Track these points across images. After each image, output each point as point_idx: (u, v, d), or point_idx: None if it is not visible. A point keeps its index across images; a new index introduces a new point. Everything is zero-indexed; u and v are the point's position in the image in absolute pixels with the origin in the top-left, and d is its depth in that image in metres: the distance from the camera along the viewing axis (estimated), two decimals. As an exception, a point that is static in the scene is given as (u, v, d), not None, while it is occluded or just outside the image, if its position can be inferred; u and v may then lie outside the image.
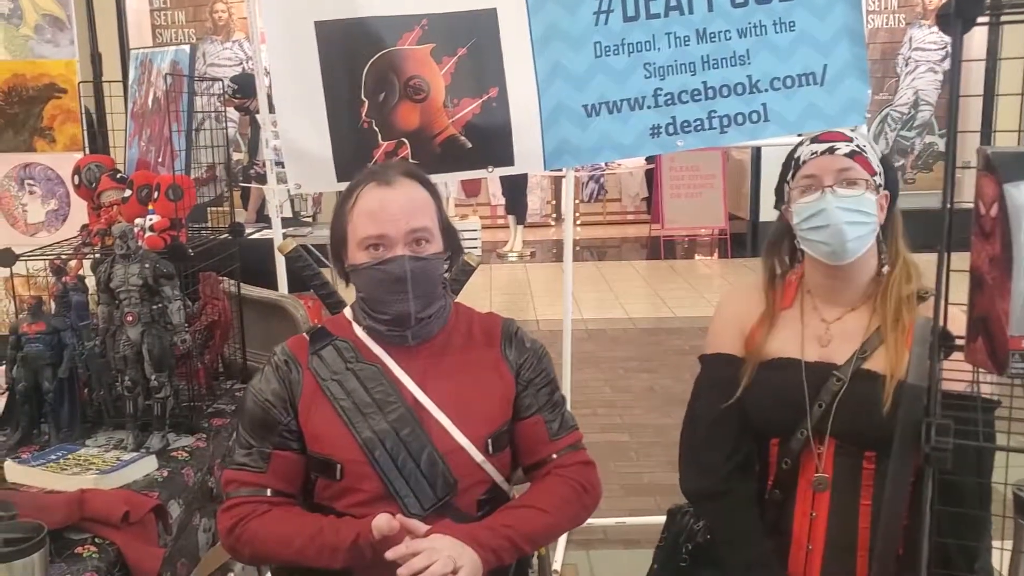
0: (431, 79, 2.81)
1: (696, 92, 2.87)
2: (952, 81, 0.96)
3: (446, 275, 1.79)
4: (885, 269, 1.74)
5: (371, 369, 1.66)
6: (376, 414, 1.62)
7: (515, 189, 8.99)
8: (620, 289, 7.43)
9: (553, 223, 10.68)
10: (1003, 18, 0.84)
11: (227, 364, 2.43)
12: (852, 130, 1.78)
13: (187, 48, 2.12)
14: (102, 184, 2.21)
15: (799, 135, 2.90)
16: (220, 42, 8.67)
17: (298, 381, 1.66)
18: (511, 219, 9.18)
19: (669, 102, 2.87)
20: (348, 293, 1.84)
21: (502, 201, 9.72)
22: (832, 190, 1.67)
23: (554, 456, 1.74)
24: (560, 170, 3.54)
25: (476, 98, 2.82)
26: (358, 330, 1.72)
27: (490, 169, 2.88)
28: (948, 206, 0.85)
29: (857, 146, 1.70)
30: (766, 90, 2.88)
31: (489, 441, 1.66)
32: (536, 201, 10.41)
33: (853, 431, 1.67)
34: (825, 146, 1.71)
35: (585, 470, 1.74)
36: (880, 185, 1.72)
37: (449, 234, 1.72)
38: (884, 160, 1.75)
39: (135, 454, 1.86)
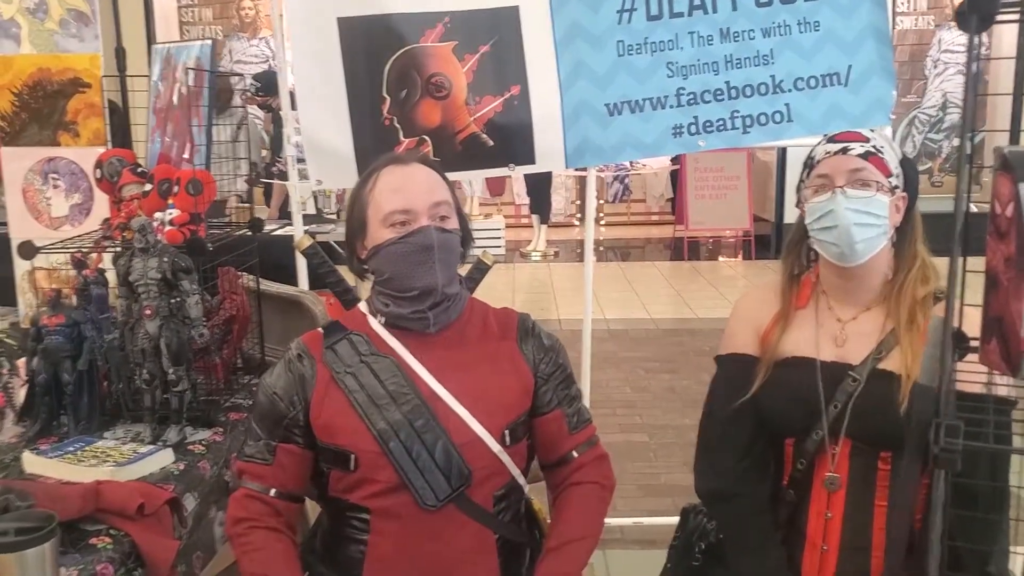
0: (453, 76, 2.81)
1: (719, 92, 2.84)
2: (968, 79, 0.94)
3: (460, 267, 1.80)
4: (889, 274, 1.73)
5: (385, 361, 1.67)
6: (390, 405, 1.63)
7: (539, 188, 8.97)
8: (642, 290, 7.40)
9: (577, 223, 10.65)
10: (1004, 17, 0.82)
11: (246, 359, 2.45)
12: (873, 131, 1.75)
13: (209, 43, 2.13)
14: (123, 178, 2.22)
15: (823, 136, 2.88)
16: (247, 39, 8.73)
17: (311, 375, 1.67)
18: (535, 218, 9.17)
19: (692, 102, 2.84)
20: (362, 290, 1.85)
21: (526, 200, 9.71)
22: (843, 191, 1.66)
23: (574, 454, 1.77)
24: (584, 169, 3.53)
25: (498, 96, 2.81)
26: (373, 323, 1.73)
27: (512, 167, 2.88)
28: (964, 207, 0.83)
29: (873, 147, 1.68)
30: (789, 90, 2.85)
31: (507, 432, 1.67)
32: (560, 201, 10.39)
33: (868, 431, 1.66)
34: (839, 146, 1.69)
35: (602, 466, 1.79)
36: (896, 187, 1.70)
37: (463, 219, 1.75)
38: (905, 162, 1.73)
39: (152, 447, 1.88)
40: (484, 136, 2.83)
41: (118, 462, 1.79)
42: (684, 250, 8.87)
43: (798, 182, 1.81)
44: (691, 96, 2.85)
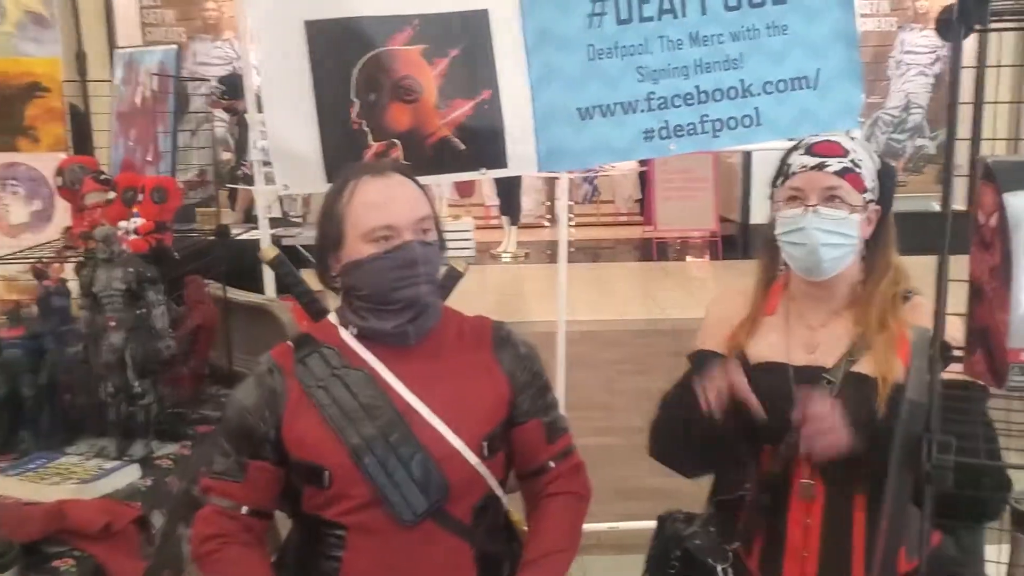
0: (423, 80, 2.78)
1: (689, 96, 2.85)
2: (952, 87, 0.94)
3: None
4: (859, 284, 1.73)
5: (358, 374, 1.63)
6: (364, 420, 1.59)
7: (509, 190, 8.97)
8: (613, 290, 7.42)
9: (547, 224, 10.66)
10: (996, 25, 0.82)
11: (212, 369, 2.40)
12: (852, 138, 1.74)
13: (174, 48, 2.08)
14: (85, 186, 2.17)
15: (791, 140, 2.89)
16: (210, 41, 8.62)
17: (282, 390, 1.63)
18: (505, 220, 9.17)
19: (662, 106, 2.84)
20: (329, 298, 1.81)
21: (495, 202, 9.70)
22: (815, 210, 1.64)
23: (551, 464, 1.74)
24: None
25: (469, 100, 2.79)
26: (344, 335, 1.69)
27: (483, 171, 2.86)
28: (949, 221, 0.82)
29: (851, 161, 1.66)
30: (759, 94, 2.87)
31: (484, 444, 1.64)
32: (530, 202, 10.39)
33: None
34: (816, 161, 1.66)
35: (579, 475, 1.77)
36: (871, 201, 1.68)
37: (438, 227, 1.71)
38: (883, 172, 1.71)
39: (117, 462, 1.83)
40: (455, 140, 2.81)
41: (82, 479, 1.74)
42: (653, 251, 8.92)
43: (772, 179, 1.78)
44: (662, 100, 2.84)
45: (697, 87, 2.85)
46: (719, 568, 1.79)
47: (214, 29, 8.63)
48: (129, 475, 1.80)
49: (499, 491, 1.71)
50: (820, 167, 1.65)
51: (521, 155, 2.82)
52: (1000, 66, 0.96)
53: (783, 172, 1.73)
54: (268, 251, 1.85)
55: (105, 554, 1.50)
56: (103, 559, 1.50)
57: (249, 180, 5.87)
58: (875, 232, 1.72)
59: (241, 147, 6.42)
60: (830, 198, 1.64)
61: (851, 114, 2.92)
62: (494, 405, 1.69)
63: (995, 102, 0.87)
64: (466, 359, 1.70)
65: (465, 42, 2.78)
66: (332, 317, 1.75)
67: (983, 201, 0.86)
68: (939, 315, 0.88)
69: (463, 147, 2.81)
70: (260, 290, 2.87)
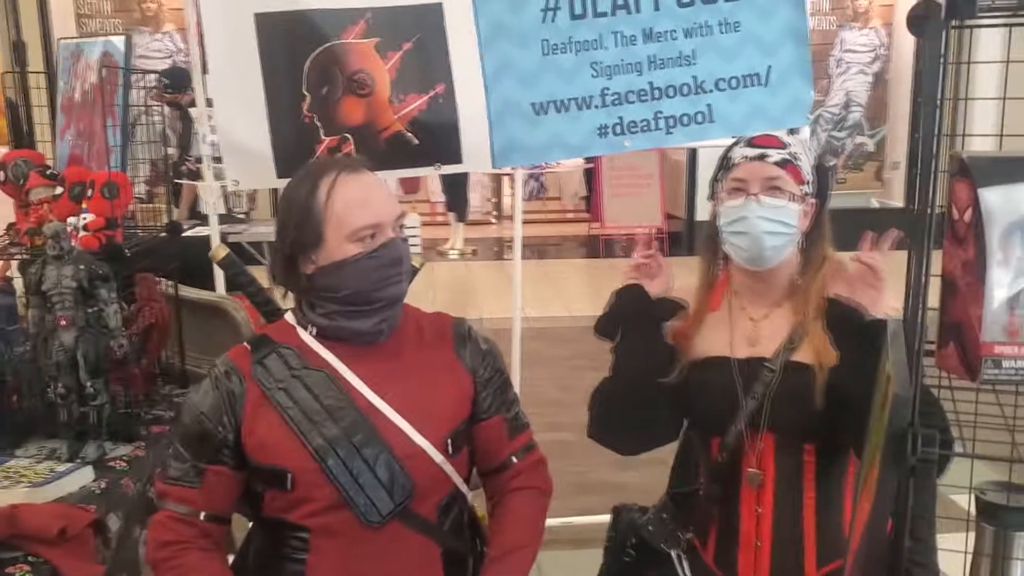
0: (376, 73, 2.75)
1: (643, 92, 2.86)
2: (927, 85, 0.95)
3: None
4: (797, 276, 1.77)
5: (319, 375, 1.61)
6: (327, 421, 1.57)
7: (455, 186, 8.96)
8: (562, 287, 7.45)
9: (494, 221, 10.67)
10: (982, 21, 0.83)
11: (164, 369, 2.35)
12: (790, 133, 1.79)
13: (121, 39, 2.02)
14: (31, 181, 2.10)
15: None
16: (149, 33, 8.43)
17: (241, 393, 1.59)
18: (452, 216, 9.15)
19: (616, 102, 2.85)
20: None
21: (441, 198, 9.68)
22: (757, 199, 1.68)
23: (514, 460, 1.74)
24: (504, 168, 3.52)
25: (422, 94, 2.77)
26: (303, 335, 1.66)
27: (438, 166, 2.84)
28: (931, 222, 0.83)
29: (790, 154, 1.71)
30: (711, 91, 2.88)
31: (449, 441, 1.63)
32: (477, 199, 10.39)
33: (788, 423, 1.70)
34: (757, 151, 1.71)
35: (541, 471, 1.78)
36: (808, 193, 1.73)
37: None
38: (819, 168, 1.77)
39: (70, 465, 1.78)
40: (409, 134, 2.79)
41: (33, 482, 1.69)
42: (600, 247, 8.98)
43: (713, 175, 1.82)
44: (616, 96, 2.85)
45: (651, 83, 2.86)
46: (673, 554, 1.83)
47: (153, 22, 8.44)
48: (82, 478, 1.75)
49: (464, 488, 1.71)
50: (761, 157, 1.70)
51: (475, 150, 2.81)
52: (969, 63, 0.98)
53: (724, 166, 1.77)
54: (219, 250, 1.80)
55: (61, 559, 1.45)
56: (59, 564, 1.45)
57: (193, 176, 5.75)
58: (811, 226, 1.76)
59: (185, 142, 6.30)
60: (771, 188, 1.69)
61: (801, 111, 2.96)
62: (457, 403, 1.68)
63: (960, 98, 0.89)
64: (427, 357, 1.69)
65: (418, 35, 2.76)
66: (289, 316, 1.71)
67: (957, 197, 0.88)
68: (915, 310, 0.89)
69: (417, 142, 2.79)
70: (210, 287, 2.82)
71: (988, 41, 0.85)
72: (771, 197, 1.68)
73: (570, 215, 10.92)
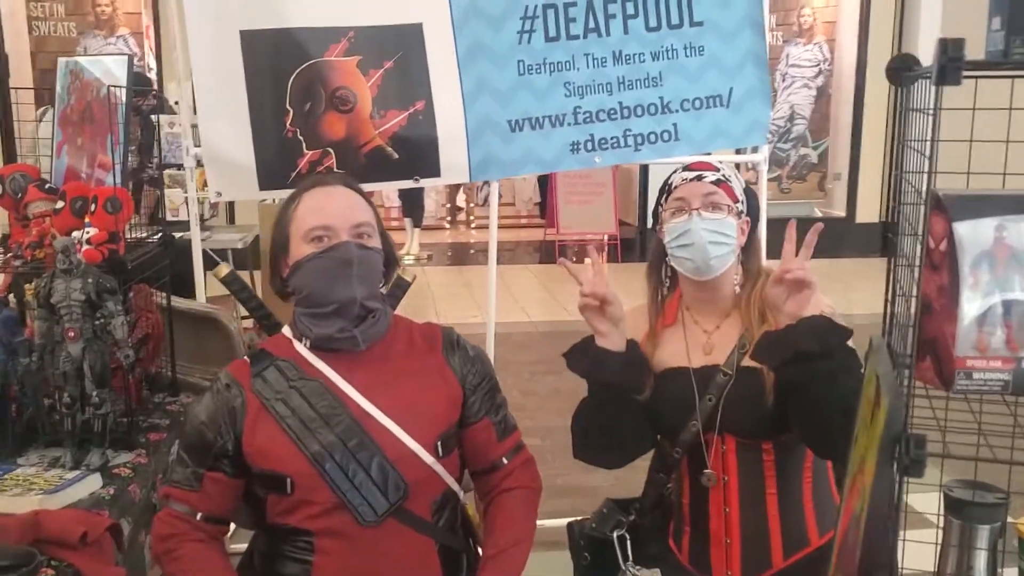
0: (358, 90, 2.84)
1: (612, 111, 2.99)
2: (901, 128, 1.08)
3: (383, 288, 1.84)
4: (737, 288, 1.92)
5: (314, 384, 1.70)
6: (322, 428, 1.67)
7: (412, 192, 9.01)
8: (518, 292, 7.55)
9: (448, 226, 10.74)
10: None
11: (151, 378, 2.39)
12: (721, 163, 1.96)
13: (124, 58, 2.09)
14: (29, 195, 2.14)
15: (707, 153, 3.07)
16: (103, 37, 8.33)
17: (241, 404, 1.70)
18: (408, 222, 9.20)
19: (587, 120, 2.97)
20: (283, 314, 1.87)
21: (396, 203, 9.72)
22: (699, 213, 1.84)
23: (504, 461, 1.84)
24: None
25: (403, 110, 2.86)
26: (299, 347, 1.76)
27: (417, 179, 2.93)
28: (923, 247, 0.96)
29: (723, 175, 1.89)
30: (677, 111, 3.02)
31: (439, 443, 1.72)
32: (432, 204, 10.45)
33: (742, 422, 1.83)
34: (694, 174, 1.89)
35: (530, 469, 1.88)
36: (742, 211, 1.90)
37: (387, 241, 1.80)
38: (748, 190, 1.95)
39: (77, 472, 1.83)
40: (389, 149, 2.87)
41: (45, 490, 1.74)
42: (555, 253, 9.11)
43: (655, 206, 1.99)
44: (587, 114, 2.98)
45: (620, 103, 2.99)
46: (614, 536, 1.93)
47: (107, 25, 8.34)
48: (91, 484, 1.81)
49: (456, 487, 1.80)
50: (699, 178, 1.88)
51: (453, 164, 2.91)
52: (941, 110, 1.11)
53: (666, 191, 1.94)
54: (221, 268, 1.89)
55: (84, 563, 1.51)
56: (82, 568, 1.51)
57: (155, 182, 5.72)
58: (747, 244, 1.93)
59: (146, 149, 6.26)
60: (710, 204, 1.85)
61: (760, 131, 3.11)
62: (446, 406, 1.78)
63: (936, 140, 1.02)
64: (418, 364, 1.79)
65: (399, 54, 2.85)
66: (286, 330, 1.82)
67: (933, 229, 1.01)
68: (891, 323, 1.02)
69: (396, 156, 2.87)
70: (185, 294, 2.87)
71: (957, 90, 0.98)
72: (710, 212, 1.84)
73: (524, 220, 11.04)
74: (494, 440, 1.83)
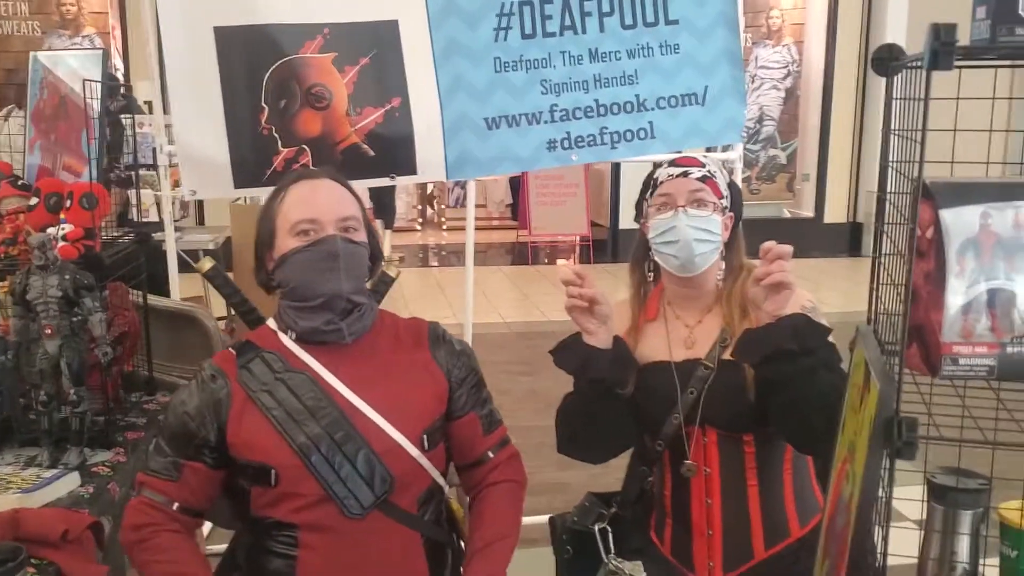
0: (333, 87, 2.82)
1: (589, 109, 3.00)
2: (885, 119, 1.10)
3: (367, 283, 1.84)
4: (719, 281, 1.92)
5: (301, 377, 1.70)
6: (309, 420, 1.66)
7: (383, 194, 8.98)
8: (491, 293, 7.56)
9: (419, 228, 10.72)
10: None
11: (127, 377, 2.36)
12: (707, 157, 1.98)
13: (99, 53, 2.06)
14: (2, 191, 2.11)
15: (680, 152, 3.08)
16: (69, 37, 8.22)
17: (227, 395, 1.68)
18: (379, 223, 9.15)
19: (564, 118, 2.98)
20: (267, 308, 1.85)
21: (369, 205, 9.67)
22: (684, 210, 1.85)
23: (490, 455, 1.85)
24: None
25: (379, 107, 2.85)
26: (284, 339, 1.75)
27: (393, 177, 2.93)
28: (914, 240, 0.97)
29: (708, 171, 1.90)
30: (653, 109, 3.04)
31: (425, 436, 1.72)
32: (402, 206, 10.42)
33: (723, 415, 1.84)
34: (680, 170, 1.89)
35: (516, 464, 1.89)
36: (726, 207, 1.91)
37: (372, 236, 1.79)
38: (732, 185, 1.96)
39: (56, 471, 1.81)
40: (365, 146, 2.86)
41: (23, 488, 1.72)
42: (528, 254, 9.13)
43: (638, 199, 1.98)
44: (564, 112, 2.98)
45: (596, 101, 3.00)
46: (596, 529, 1.93)
47: (73, 25, 8.23)
48: (69, 483, 1.78)
49: (441, 481, 1.80)
50: (685, 175, 1.88)
51: (430, 162, 2.91)
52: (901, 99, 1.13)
53: (651, 186, 1.94)
54: (204, 263, 1.87)
55: (66, 561, 1.49)
56: (64, 566, 1.49)
57: (123, 182, 5.65)
58: (729, 239, 1.94)
59: (114, 148, 6.19)
60: (696, 200, 1.86)
61: (735, 128, 3.14)
62: (432, 400, 1.77)
63: (918, 129, 1.03)
64: (404, 358, 1.79)
65: (375, 51, 2.84)
66: (271, 323, 1.80)
67: (921, 216, 1.02)
68: (876, 311, 1.03)
69: (373, 154, 2.87)
70: (158, 292, 2.83)
71: (942, 79, 0.99)
72: (696, 209, 1.85)
73: (495, 222, 11.05)
74: (480, 434, 1.84)
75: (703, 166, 1.90)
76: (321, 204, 1.70)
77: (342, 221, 1.70)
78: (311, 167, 2.74)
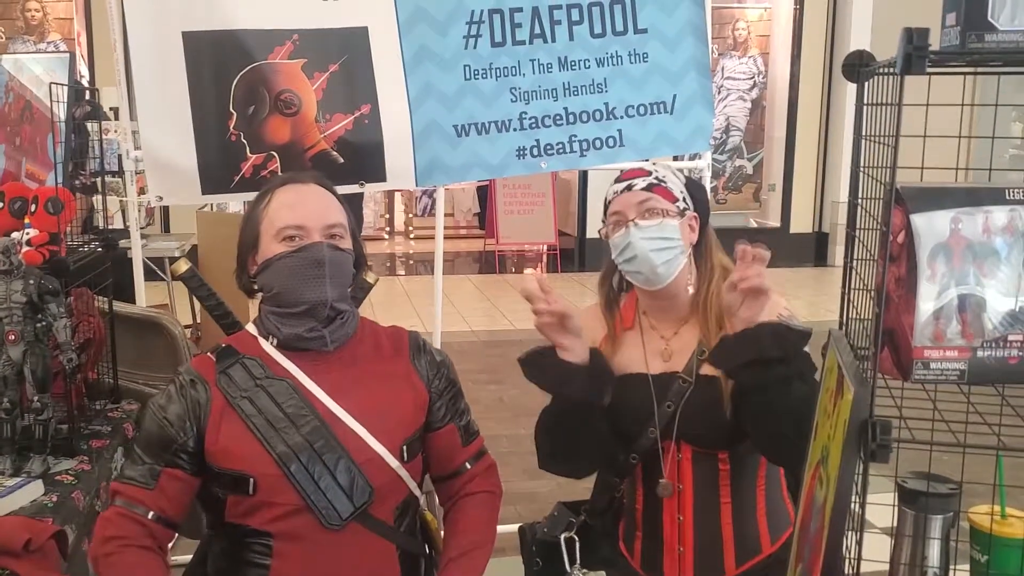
0: (302, 93, 2.81)
1: (558, 117, 3.01)
2: (856, 124, 1.11)
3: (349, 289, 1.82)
4: (690, 288, 1.87)
5: (281, 384, 1.67)
6: (289, 428, 1.63)
7: (352, 202, 8.93)
8: (458, 302, 7.54)
9: (386, 236, 10.68)
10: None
11: (91, 385, 2.33)
12: (655, 164, 1.95)
13: (66, 56, 2.03)
14: (-36, 195, 2.07)
15: (649, 159, 3.10)
16: (33, 43, 8.11)
17: (206, 400, 1.65)
18: (346, 233, 9.14)
19: (533, 125, 2.99)
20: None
21: (335, 214, 9.63)
22: (635, 223, 1.80)
23: (467, 466, 1.83)
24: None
25: (348, 114, 2.84)
26: (265, 345, 1.72)
27: (362, 184, 2.91)
28: (887, 243, 0.98)
29: (655, 178, 1.85)
30: (621, 117, 3.05)
31: (404, 448, 1.70)
32: (369, 215, 10.39)
33: (700, 431, 1.81)
34: (624, 184, 1.85)
35: (492, 475, 1.88)
36: (685, 209, 1.86)
37: (357, 243, 1.77)
38: (690, 184, 1.91)
39: (19, 479, 1.77)
40: (334, 153, 2.85)
41: (-16, 498, 1.68)
42: (495, 263, 9.13)
43: (602, 220, 1.94)
44: (533, 120, 2.99)
45: (566, 108, 3.01)
46: (562, 538, 1.91)
47: (37, 31, 8.12)
48: (32, 492, 1.75)
49: (417, 492, 1.78)
50: (629, 188, 1.84)
51: (399, 169, 2.89)
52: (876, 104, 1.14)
53: (605, 207, 1.90)
54: (179, 265, 1.84)
55: (28, 571, 1.46)
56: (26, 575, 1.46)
57: (87, 189, 5.57)
58: (698, 239, 1.89)
59: (79, 154, 6.10)
60: (644, 211, 1.81)
61: (703, 136, 3.16)
62: (412, 411, 1.75)
63: (890, 135, 1.05)
64: (385, 367, 1.77)
65: (345, 57, 2.83)
66: (251, 328, 1.78)
67: (892, 221, 1.03)
68: (847, 319, 1.04)
69: (342, 160, 2.85)
70: (124, 299, 2.80)
71: (909, 86, 1.00)
72: (645, 220, 1.81)
73: (463, 231, 11.04)
74: (458, 445, 1.82)
75: (649, 174, 1.86)
76: (308, 211, 1.68)
77: (328, 228, 1.68)
78: (279, 174, 2.72)
